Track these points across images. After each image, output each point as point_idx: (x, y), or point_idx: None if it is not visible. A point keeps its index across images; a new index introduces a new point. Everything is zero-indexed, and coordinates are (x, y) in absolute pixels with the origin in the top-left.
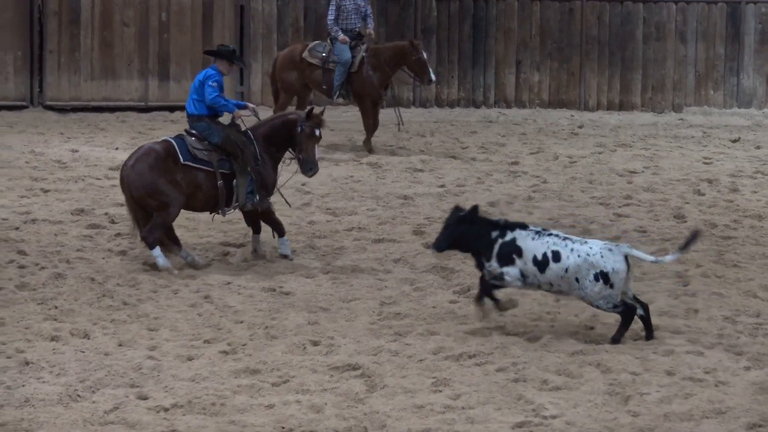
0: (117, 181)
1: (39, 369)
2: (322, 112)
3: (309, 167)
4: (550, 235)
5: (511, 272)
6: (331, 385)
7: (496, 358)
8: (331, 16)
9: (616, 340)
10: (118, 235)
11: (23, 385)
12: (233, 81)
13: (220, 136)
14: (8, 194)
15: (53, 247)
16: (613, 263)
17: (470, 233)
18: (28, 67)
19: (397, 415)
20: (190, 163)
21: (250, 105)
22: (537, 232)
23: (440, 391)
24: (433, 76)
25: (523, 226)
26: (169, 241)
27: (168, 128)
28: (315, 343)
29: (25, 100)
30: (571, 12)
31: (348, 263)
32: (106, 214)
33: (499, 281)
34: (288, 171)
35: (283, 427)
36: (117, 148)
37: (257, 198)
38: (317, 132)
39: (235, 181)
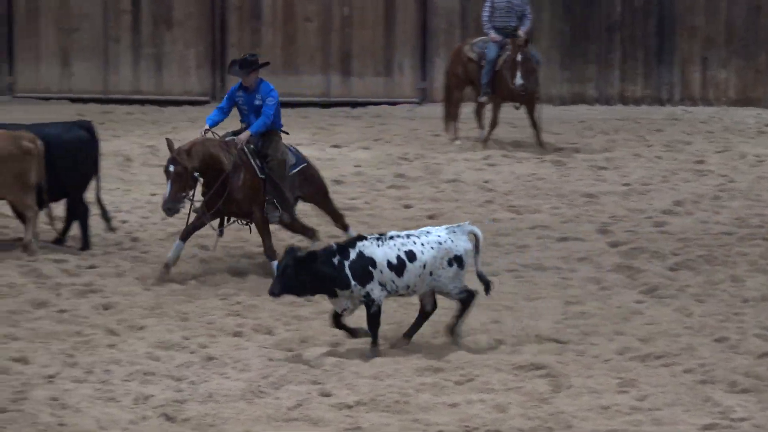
0: None
1: (222, 365)
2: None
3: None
4: (392, 237)
5: (375, 289)
6: (516, 384)
7: (683, 359)
8: (485, 14)
9: (452, 329)
10: None
11: (207, 381)
12: (415, 77)
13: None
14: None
15: (236, 242)
16: (464, 244)
17: (311, 275)
18: (210, 62)
19: (582, 415)
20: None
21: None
22: (378, 239)
23: (626, 392)
24: (519, 80)
25: (361, 238)
26: None
27: (349, 124)
28: (499, 342)
29: (207, 95)
30: (758, 9)
31: (531, 261)
32: None
33: (368, 302)
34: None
35: (467, 426)
36: (299, 144)
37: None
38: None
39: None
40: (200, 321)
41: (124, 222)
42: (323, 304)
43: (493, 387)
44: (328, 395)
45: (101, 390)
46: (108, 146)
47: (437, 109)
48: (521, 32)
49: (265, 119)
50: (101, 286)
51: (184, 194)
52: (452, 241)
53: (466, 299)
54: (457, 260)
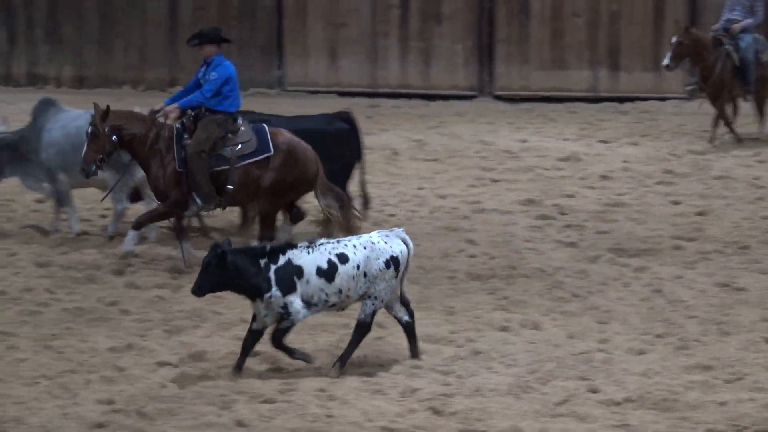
0: (566, 173)
1: (489, 359)
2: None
3: None
4: (323, 244)
5: (295, 303)
6: None
7: None
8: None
9: (343, 361)
10: (567, 226)
11: (474, 375)
12: (684, 73)
13: None
14: (458, 184)
15: (503, 237)
16: (399, 246)
17: (235, 273)
18: (478, 56)
19: None
20: None
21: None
22: (308, 246)
23: None
24: (665, 61)
25: (292, 245)
26: None
27: (617, 119)
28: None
29: (474, 89)
30: None
31: None
32: (555, 205)
33: (284, 315)
34: None
35: (737, 425)
36: (566, 139)
37: None
38: None
39: None
40: (467, 315)
41: (391, 216)
42: (590, 299)
43: (763, 386)
44: (595, 391)
45: (368, 382)
46: (375, 140)
47: (705, 106)
48: (734, 26)
49: (197, 95)
50: None
51: (99, 156)
52: (386, 242)
53: (365, 326)
54: (393, 261)
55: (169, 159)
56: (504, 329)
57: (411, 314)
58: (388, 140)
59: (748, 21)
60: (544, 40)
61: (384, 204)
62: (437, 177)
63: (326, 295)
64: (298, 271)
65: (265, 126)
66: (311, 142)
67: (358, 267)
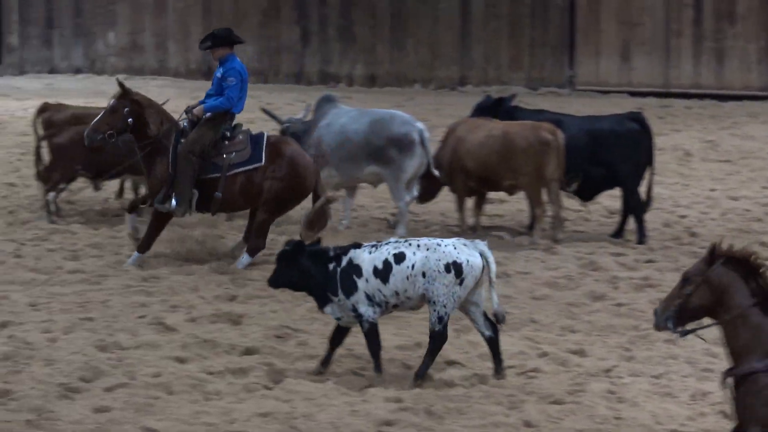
0: None
1: None
2: None
3: None
4: (389, 243)
5: (361, 304)
6: None
7: None
8: None
9: (420, 374)
10: None
11: None
12: None
13: None
14: (751, 185)
15: None
16: (468, 255)
17: (302, 270)
18: None
19: None
20: None
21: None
22: (373, 246)
23: None
24: None
25: (357, 246)
26: None
27: None
28: None
29: (767, 90)
30: None
31: None
32: None
33: (365, 322)
34: None
35: None
36: None
37: None
38: None
39: None
40: None
41: (682, 217)
42: None
43: None
44: None
45: (658, 385)
46: (667, 140)
47: None
48: None
49: (224, 101)
50: (659, 281)
51: (109, 130)
52: (455, 248)
53: (438, 336)
54: (456, 267)
55: (165, 157)
56: None
57: (495, 330)
58: (680, 141)
59: None
60: None
61: (676, 205)
62: (729, 178)
63: (384, 296)
64: (357, 271)
65: (264, 134)
66: (603, 143)
67: (413, 267)
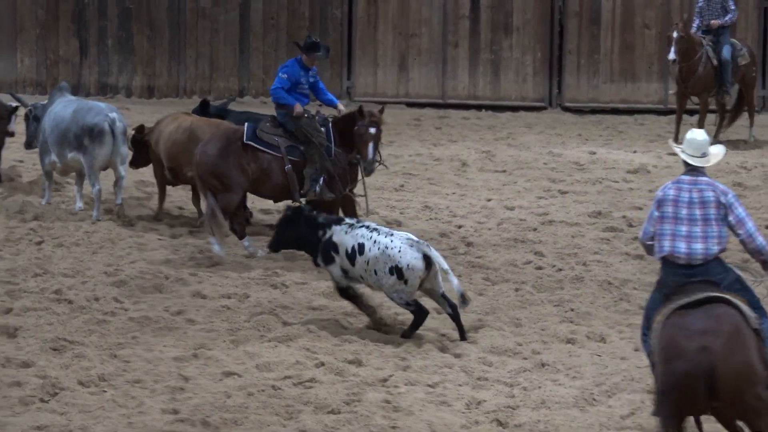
0: (635, 185)
1: (555, 371)
2: (380, 111)
3: (365, 166)
4: (362, 227)
5: (334, 271)
6: None
7: None
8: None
9: (406, 335)
10: (635, 238)
11: (539, 387)
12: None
13: (294, 124)
14: (526, 195)
15: (570, 249)
16: (410, 259)
17: (299, 233)
18: (547, 68)
19: None
20: (253, 144)
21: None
22: (350, 225)
23: None
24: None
25: (339, 221)
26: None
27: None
28: None
29: (543, 101)
30: None
31: None
32: (624, 217)
33: (337, 283)
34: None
35: None
36: (635, 151)
37: (317, 188)
38: (372, 130)
39: (305, 169)
40: (534, 327)
41: (459, 227)
42: None
43: None
44: None
45: (433, 393)
46: (444, 151)
47: None
48: (714, 22)
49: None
50: None
51: None
52: (399, 251)
53: (415, 313)
54: (397, 271)
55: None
56: (570, 341)
57: (452, 307)
58: (457, 151)
59: (726, 18)
60: (614, 52)
61: (452, 215)
62: (505, 188)
63: (355, 274)
64: (335, 247)
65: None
66: None
67: (367, 263)
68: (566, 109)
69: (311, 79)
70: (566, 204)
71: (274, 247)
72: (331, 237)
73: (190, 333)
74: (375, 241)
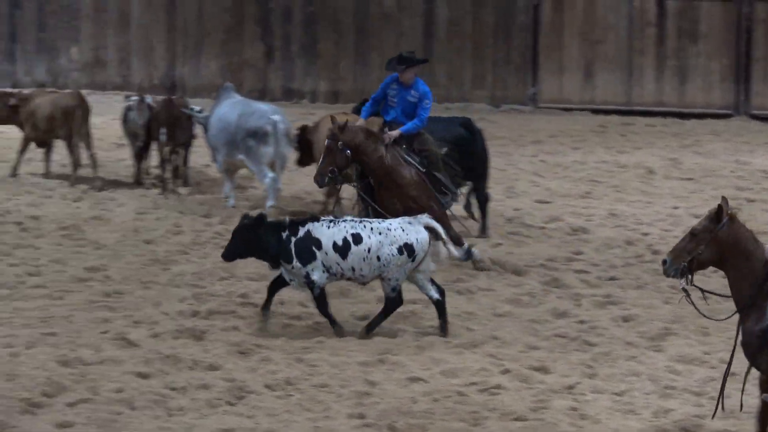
0: None
1: (741, 381)
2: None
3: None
4: (345, 221)
5: (316, 271)
6: None
7: None
8: None
9: (372, 327)
10: None
11: (727, 397)
12: None
13: None
14: (713, 203)
15: None
16: (416, 234)
17: (258, 240)
18: (734, 75)
19: None
20: None
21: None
22: (331, 221)
23: None
24: None
25: (315, 219)
26: None
27: None
28: None
29: (729, 108)
30: None
31: None
32: None
33: (309, 284)
34: None
35: None
36: None
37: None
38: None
39: None
40: (721, 336)
41: (645, 234)
42: None
43: None
44: None
45: (620, 402)
46: (629, 158)
47: None
48: None
49: (418, 122)
50: (621, 298)
51: (332, 168)
52: (403, 230)
53: (393, 300)
54: (408, 248)
55: (408, 168)
56: None
57: (442, 294)
58: (642, 158)
59: None
60: None
61: (638, 222)
62: (692, 196)
63: (341, 269)
64: (317, 243)
65: None
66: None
67: (368, 250)
68: (754, 117)
69: (410, 98)
70: (753, 212)
71: (230, 257)
72: (308, 234)
73: (376, 338)
74: (372, 228)
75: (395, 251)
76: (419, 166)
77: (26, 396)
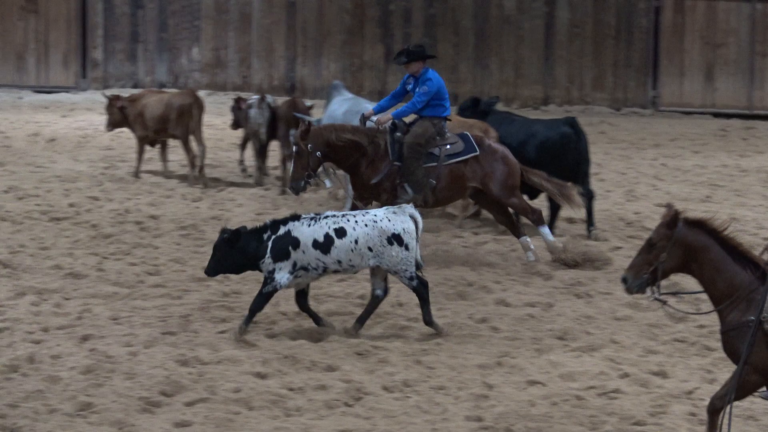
0: None
1: None
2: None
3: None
4: (327, 217)
5: (282, 269)
6: None
7: None
8: None
9: (427, 321)
10: None
11: None
12: None
13: None
14: None
15: None
16: (402, 223)
17: (241, 251)
18: None
19: None
20: None
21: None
22: (312, 218)
23: None
24: None
25: (296, 218)
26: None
27: None
28: None
29: None
30: None
31: None
32: None
33: (268, 279)
34: None
35: None
36: None
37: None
38: None
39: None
40: None
41: (766, 239)
42: None
43: None
44: None
45: (740, 408)
46: (750, 162)
47: None
48: None
49: (409, 106)
50: None
51: (307, 173)
52: (389, 220)
53: (418, 289)
54: (396, 238)
55: (382, 156)
56: None
57: (385, 291)
58: (764, 163)
59: None
60: None
61: (759, 227)
62: None
63: (324, 264)
64: (294, 242)
65: (467, 133)
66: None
67: (356, 242)
68: None
69: (409, 87)
70: None
71: (211, 273)
72: (288, 233)
73: (494, 341)
74: (357, 221)
75: (385, 242)
76: (397, 159)
77: (145, 395)
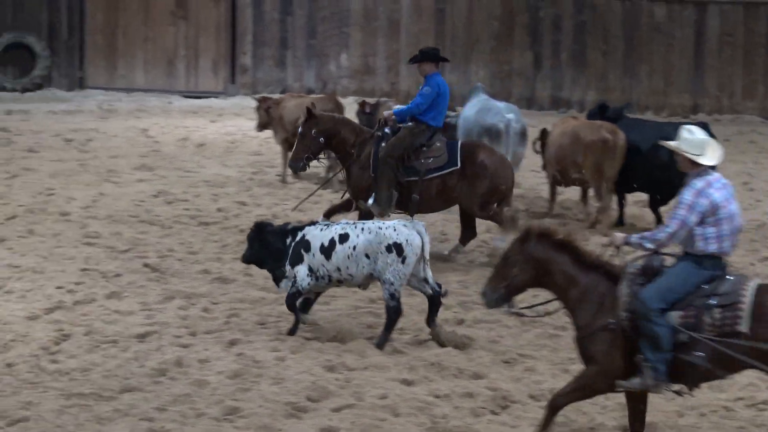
0: None
1: None
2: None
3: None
4: (340, 224)
5: (300, 271)
6: None
7: None
8: None
9: (380, 345)
10: None
11: None
12: None
13: None
14: None
15: None
16: (407, 235)
17: (267, 249)
18: None
19: None
20: None
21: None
22: (327, 225)
23: None
24: None
25: (313, 223)
26: None
27: None
28: None
29: None
30: None
31: None
32: None
33: (294, 286)
34: None
35: None
36: None
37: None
38: None
39: None
40: None
41: None
42: None
43: None
44: None
45: None
46: None
47: None
48: None
49: (411, 106)
50: None
51: (307, 155)
52: (395, 230)
53: (393, 310)
54: (396, 247)
55: (365, 163)
56: None
57: (439, 285)
58: None
59: None
60: None
61: None
62: None
63: (327, 271)
64: (306, 245)
65: (459, 142)
66: None
67: (354, 248)
68: None
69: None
70: None
71: (245, 260)
72: (302, 238)
73: None
74: (363, 229)
75: (383, 249)
76: (374, 171)
77: (292, 400)
